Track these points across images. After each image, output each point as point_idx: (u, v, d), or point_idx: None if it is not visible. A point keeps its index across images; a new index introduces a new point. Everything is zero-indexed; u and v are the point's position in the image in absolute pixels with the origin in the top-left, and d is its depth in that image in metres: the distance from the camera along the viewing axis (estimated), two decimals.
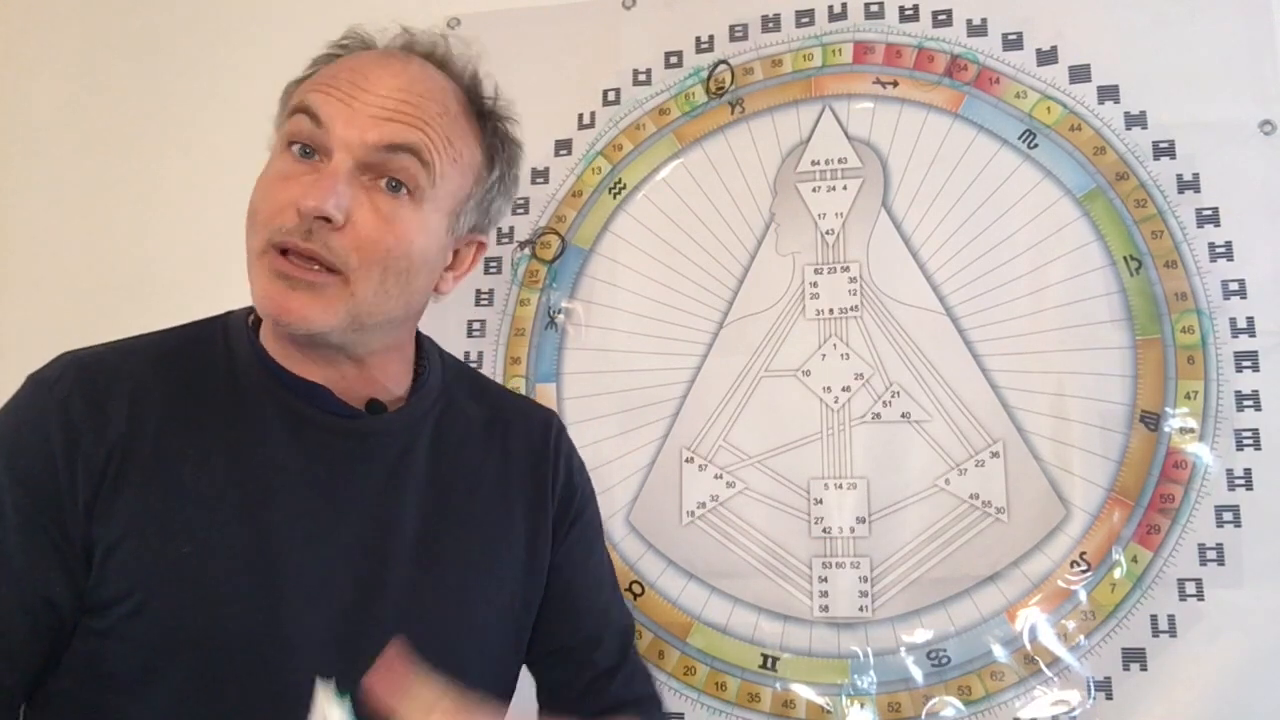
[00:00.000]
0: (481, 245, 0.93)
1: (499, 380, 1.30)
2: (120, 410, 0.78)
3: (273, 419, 0.83)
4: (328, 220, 0.77)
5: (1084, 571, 1.12)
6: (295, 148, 0.81)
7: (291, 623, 0.78)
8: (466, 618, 0.89)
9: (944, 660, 1.13)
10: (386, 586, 0.83)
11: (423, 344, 0.95)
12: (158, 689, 0.76)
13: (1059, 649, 1.11)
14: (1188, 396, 1.12)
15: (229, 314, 0.90)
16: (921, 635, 1.14)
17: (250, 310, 0.88)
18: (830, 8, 1.29)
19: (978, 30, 1.25)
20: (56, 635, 0.76)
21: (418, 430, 0.89)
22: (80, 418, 0.77)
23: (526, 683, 0.97)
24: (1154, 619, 1.09)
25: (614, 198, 1.31)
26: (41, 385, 0.79)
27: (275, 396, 0.83)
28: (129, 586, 0.75)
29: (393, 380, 0.90)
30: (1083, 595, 1.11)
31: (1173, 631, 1.09)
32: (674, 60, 1.33)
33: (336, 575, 0.81)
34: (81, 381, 0.79)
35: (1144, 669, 1.09)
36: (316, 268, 0.79)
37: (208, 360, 0.85)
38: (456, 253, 0.90)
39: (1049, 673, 1.10)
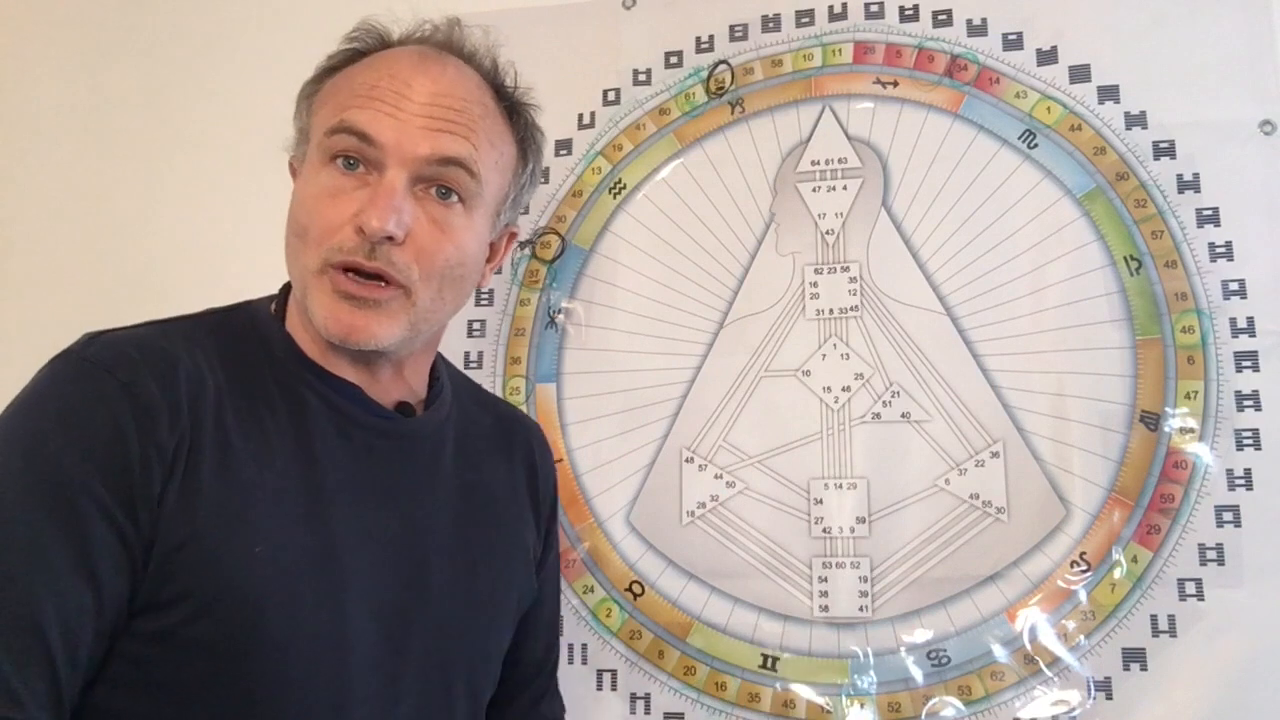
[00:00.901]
0: (513, 235, 0.94)
1: (499, 380, 1.30)
2: (183, 399, 0.74)
3: (320, 415, 0.81)
4: (391, 239, 0.77)
5: (1084, 571, 1.12)
6: (340, 161, 0.79)
7: (352, 623, 0.77)
8: (494, 619, 0.91)
9: (944, 660, 1.13)
10: (428, 587, 0.83)
11: None
12: (220, 696, 0.72)
13: (1059, 649, 1.11)
14: (1188, 396, 1.12)
15: (248, 304, 0.87)
16: (921, 635, 1.14)
17: (270, 301, 0.87)
18: (830, 8, 1.29)
19: (978, 30, 1.25)
20: (115, 633, 0.71)
21: (443, 433, 0.90)
22: (150, 404, 0.72)
23: None
24: (1154, 619, 1.09)
25: (614, 198, 1.31)
26: (95, 367, 0.73)
27: (318, 393, 0.82)
28: (195, 587, 0.71)
29: (419, 383, 0.90)
30: (1083, 595, 1.11)
31: (1173, 631, 1.09)
32: (674, 60, 1.33)
33: (387, 575, 0.81)
34: (144, 366, 0.74)
35: (1144, 669, 1.09)
36: (380, 284, 0.78)
37: (245, 352, 0.81)
38: (492, 245, 0.90)
39: (1049, 673, 1.10)
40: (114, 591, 0.70)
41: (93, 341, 0.76)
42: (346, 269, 0.78)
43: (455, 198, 0.81)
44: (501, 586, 0.92)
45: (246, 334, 0.83)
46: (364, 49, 0.86)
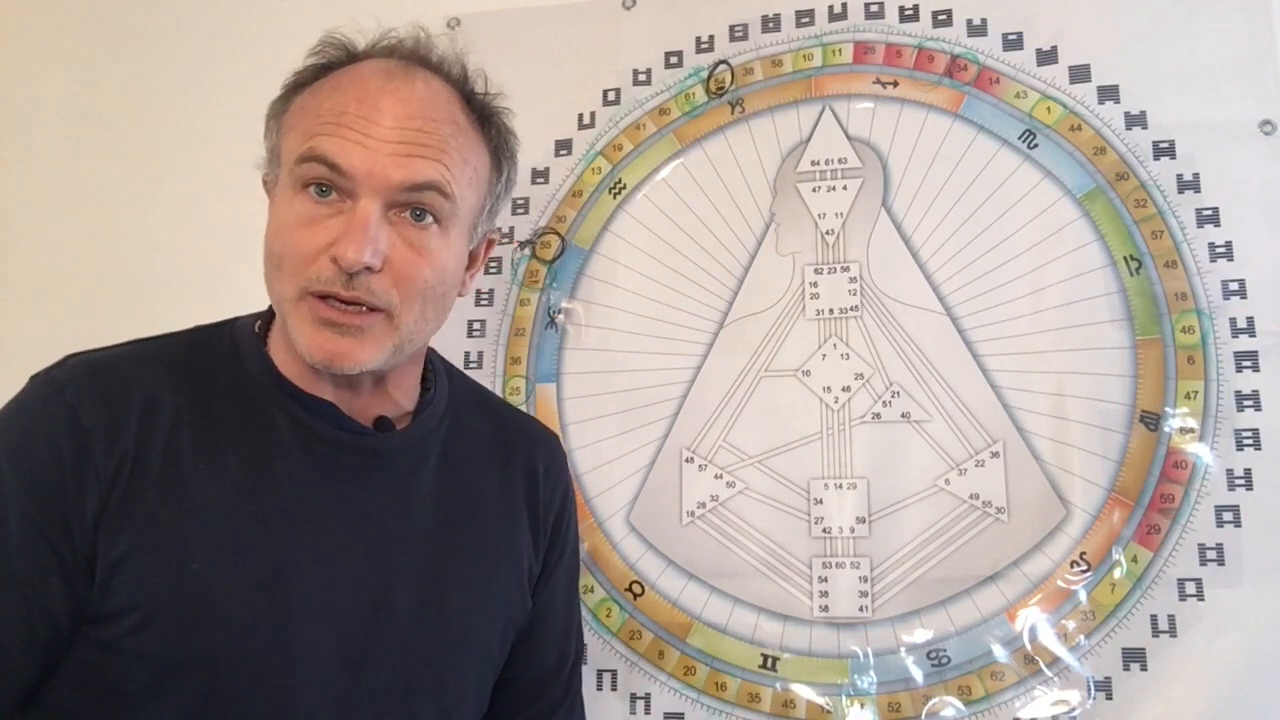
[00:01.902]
0: (492, 241, 0.93)
1: (499, 380, 1.30)
2: (131, 418, 0.77)
3: (284, 434, 0.82)
4: (368, 268, 0.77)
5: (1084, 571, 1.12)
6: (312, 189, 0.79)
7: (298, 642, 0.77)
8: (468, 639, 0.89)
9: (944, 660, 1.13)
10: (393, 606, 0.83)
11: (430, 358, 0.94)
12: (162, 706, 0.74)
13: (1059, 649, 1.11)
14: (1188, 396, 1.12)
15: (234, 321, 0.88)
16: (921, 635, 1.14)
17: (256, 318, 0.88)
18: (830, 8, 1.29)
19: (978, 30, 1.25)
20: (53, 645, 0.74)
21: (426, 448, 0.89)
22: (91, 425, 0.75)
23: None
24: (1154, 619, 1.09)
25: (614, 198, 1.31)
26: (50, 388, 0.77)
27: (286, 411, 0.82)
28: (135, 601, 0.74)
29: (405, 395, 0.90)
30: (1083, 595, 1.11)
31: (1173, 631, 1.09)
32: (674, 60, 1.33)
33: (344, 594, 0.80)
34: (92, 387, 0.77)
35: (1144, 669, 1.09)
36: (362, 310, 0.78)
37: (218, 370, 0.83)
38: (471, 254, 0.89)
39: (1049, 673, 1.10)
40: (47, 604, 0.73)
41: (64, 362, 0.79)
42: (325, 296, 0.78)
43: (430, 219, 0.80)
44: (480, 605, 0.90)
45: (223, 353, 0.85)
46: (329, 64, 0.84)
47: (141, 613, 0.74)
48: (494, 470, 0.94)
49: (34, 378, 0.78)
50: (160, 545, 0.75)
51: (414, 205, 0.79)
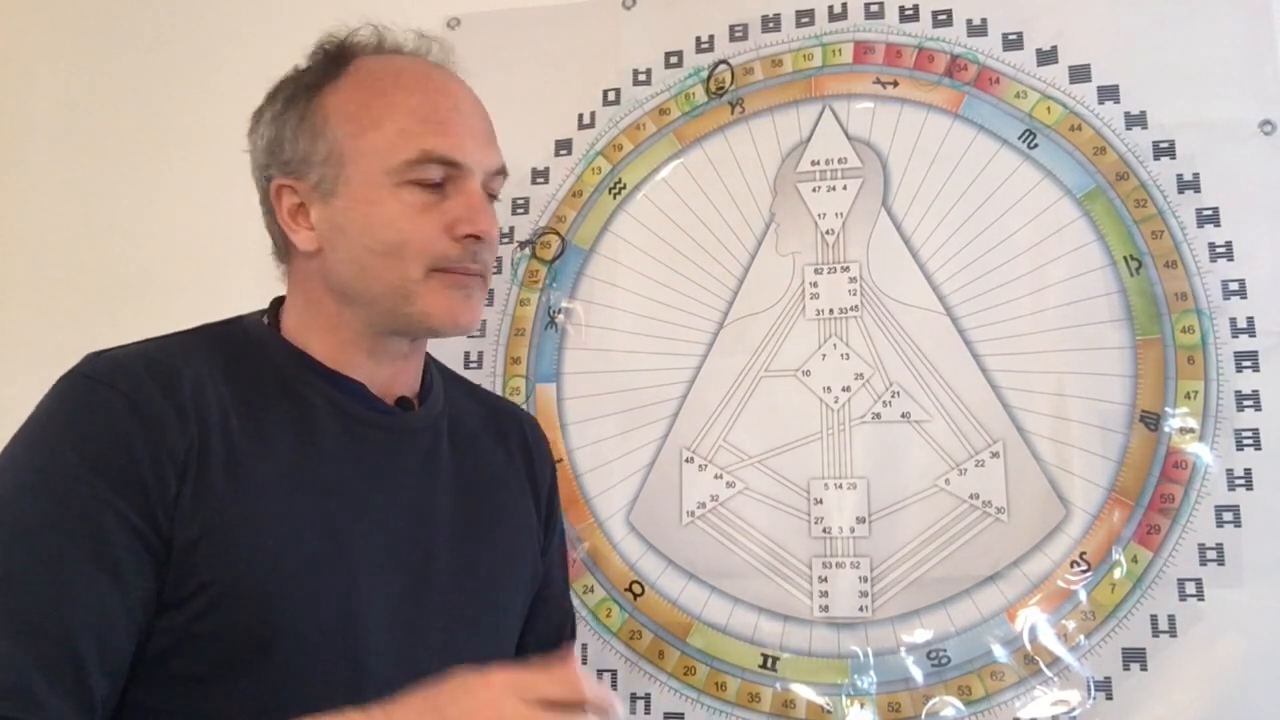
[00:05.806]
0: None
1: (499, 380, 1.30)
2: (189, 405, 0.78)
3: (323, 413, 0.85)
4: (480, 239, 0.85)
5: (1084, 571, 1.12)
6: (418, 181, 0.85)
7: (363, 611, 0.81)
8: (500, 601, 0.94)
9: (944, 660, 1.13)
10: (434, 574, 0.87)
11: None
12: (234, 687, 0.75)
13: (1059, 649, 1.11)
14: (1188, 396, 1.12)
15: (240, 319, 0.91)
16: (921, 635, 1.14)
17: (261, 314, 0.91)
18: (830, 8, 1.29)
19: (978, 30, 1.25)
20: (142, 636, 0.75)
21: (439, 425, 0.93)
22: (157, 412, 0.76)
23: None
24: (1154, 619, 1.09)
25: (614, 198, 1.31)
26: (94, 381, 0.77)
27: (320, 392, 0.86)
28: (210, 581, 0.75)
29: (415, 378, 0.94)
30: (1083, 595, 1.11)
31: (1173, 631, 1.09)
32: (674, 60, 1.33)
33: (393, 561, 0.84)
34: (149, 377, 0.78)
35: (1144, 669, 1.09)
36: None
37: (246, 359, 0.86)
38: None
39: (1049, 673, 1.10)
40: (141, 592, 0.74)
41: (94, 359, 0.80)
42: (449, 271, 0.85)
43: (491, 197, 0.89)
44: (506, 570, 0.94)
45: (244, 344, 0.87)
46: (341, 59, 0.87)
47: (216, 591, 0.75)
48: (496, 447, 0.99)
49: (65, 376, 0.79)
50: (232, 524, 0.77)
51: (490, 189, 0.88)
